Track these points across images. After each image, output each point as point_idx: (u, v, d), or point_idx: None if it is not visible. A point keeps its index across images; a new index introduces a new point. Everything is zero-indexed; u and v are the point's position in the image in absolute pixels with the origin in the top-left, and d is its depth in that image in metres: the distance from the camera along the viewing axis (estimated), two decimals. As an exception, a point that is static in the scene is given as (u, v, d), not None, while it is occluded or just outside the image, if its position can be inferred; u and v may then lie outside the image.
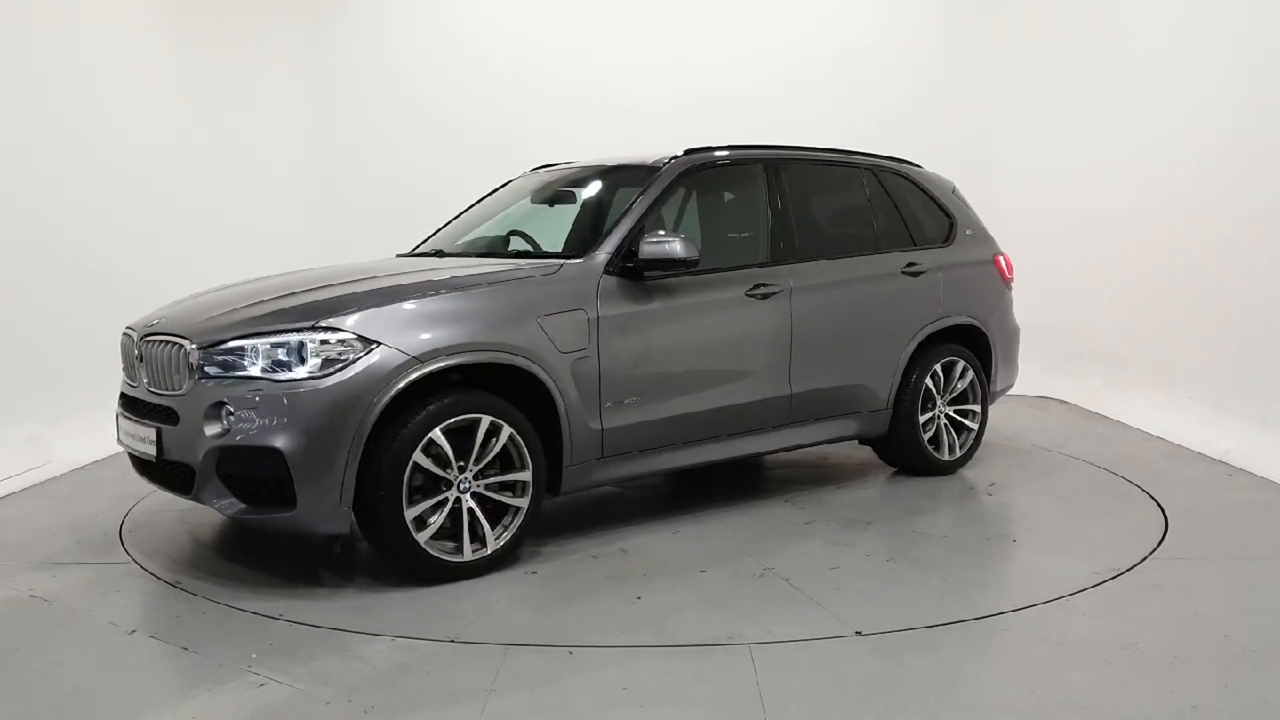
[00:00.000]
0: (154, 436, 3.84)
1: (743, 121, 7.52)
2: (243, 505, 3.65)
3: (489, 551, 3.83)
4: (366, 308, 3.69)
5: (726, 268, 4.69)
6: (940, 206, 5.63)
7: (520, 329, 3.90)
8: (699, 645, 3.21)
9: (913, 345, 5.20)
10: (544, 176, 5.34)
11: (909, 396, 5.20)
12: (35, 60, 5.94)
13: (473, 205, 5.52)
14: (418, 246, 5.28)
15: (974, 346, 5.53)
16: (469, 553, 3.78)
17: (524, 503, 3.91)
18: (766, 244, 4.87)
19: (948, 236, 5.57)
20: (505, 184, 5.57)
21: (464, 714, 2.76)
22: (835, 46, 8.34)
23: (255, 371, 3.59)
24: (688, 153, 4.77)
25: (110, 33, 6.73)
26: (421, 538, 3.68)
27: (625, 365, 4.20)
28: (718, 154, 4.87)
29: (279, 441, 3.49)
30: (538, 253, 4.72)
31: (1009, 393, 6.02)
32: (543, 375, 3.93)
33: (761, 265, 4.76)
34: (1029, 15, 8.26)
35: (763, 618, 3.43)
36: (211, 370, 3.66)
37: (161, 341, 3.90)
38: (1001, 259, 5.79)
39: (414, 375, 3.62)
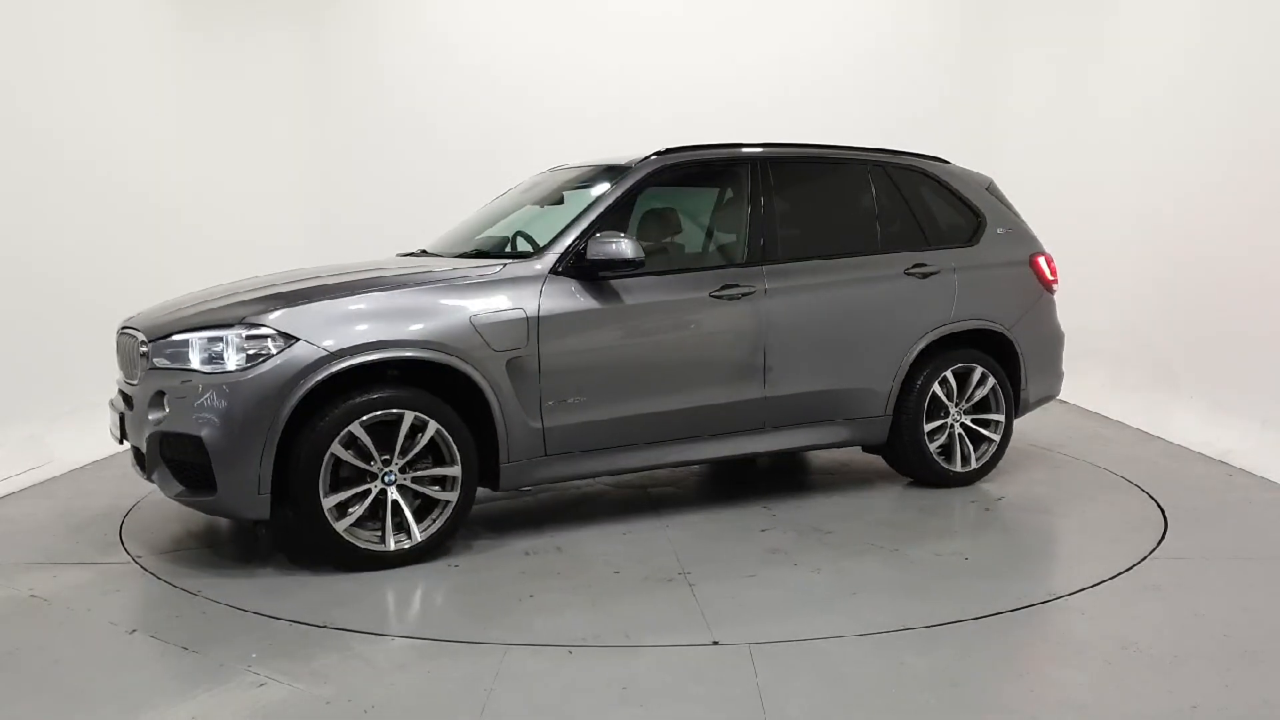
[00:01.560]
0: (118, 421, 4.20)
1: (747, 125, 7.52)
2: (182, 488, 3.89)
3: (413, 543, 3.96)
4: (289, 306, 3.89)
5: (693, 268, 4.68)
6: (967, 204, 5.33)
7: (447, 328, 3.99)
8: (576, 645, 3.22)
9: (916, 350, 4.95)
10: (556, 176, 5.33)
11: (912, 404, 4.95)
12: (34, 65, 5.94)
13: (493, 203, 5.50)
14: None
15: (998, 352, 5.22)
16: (391, 543, 3.93)
17: (452, 497, 4.02)
18: (743, 244, 4.74)
19: (973, 236, 5.27)
20: (519, 184, 5.55)
21: (464, 714, 2.76)
22: (838, 53, 8.37)
23: (195, 364, 3.82)
24: (662, 152, 4.73)
25: (108, 39, 6.73)
26: (340, 526, 3.85)
27: (569, 364, 4.22)
28: (694, 153, 4.80)
29: (200, 429, 3.74)
30: (500, 253, 4.65)
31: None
32: (472, 373, 4.01)
33: (735, 266, 4.66)
34: (1033, 20, 8.27)
35: (630, 622, 3.41)
36: (159, 362, 3.91)
37: (128, 334, 4.22)
38: (1041, 260, 5.41)
39: (330, 370, 3.78)
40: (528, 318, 4.13)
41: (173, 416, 3.81)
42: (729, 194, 5.00)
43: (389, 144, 8.43)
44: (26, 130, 5.85)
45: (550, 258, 4.29)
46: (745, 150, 4.92)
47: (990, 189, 5.51)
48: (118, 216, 6.69)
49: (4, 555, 4.20)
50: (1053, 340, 5.47)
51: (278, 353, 3.75)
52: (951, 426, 5.10)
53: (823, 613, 3.49)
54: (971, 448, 5.14)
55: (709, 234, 5.08)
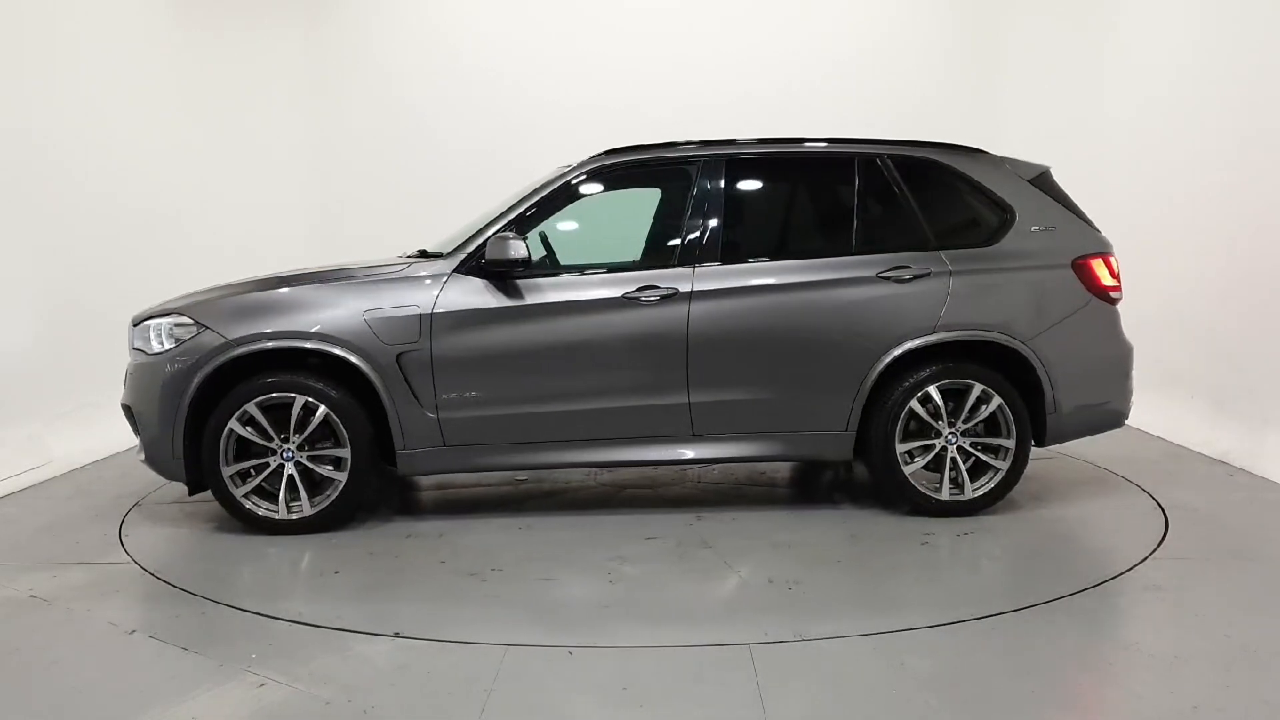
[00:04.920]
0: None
1: (752, 119, 7.52)
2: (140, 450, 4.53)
3: (306, 514, 4.39)
4: (209, 299, 4.47)
5: (618, 269, 4.57)
6: (994, 199, 4.70)
7: (338, 321, 4.34)
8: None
9: (884, 361, 4.47)
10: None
11: (883, 420, 4.50)
12: (37, 64, 5.94)
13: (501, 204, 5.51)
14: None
15: (1012, 368, 4.60)
16: (284, 512, 4.38)
17: (342, 476, 4.38)
18: (677, 246, 4.58)
19: (994, 234, 4.66)
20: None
21: (464, 714, 2.77)
22: (838, 47, 8.38)
23: (154, 347, 4.43)
24: (606, 153, 4.70)
25: (111, 37, 6.73)
26: (238, 493, 4.37)
27: (464, 360, 4.36)
28: (637, 154, 4.70)
29: (130, 399, 4.47)
30: (431, 253, 4.72)
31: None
32: (361, 364, 4.32)
33: (664, 267, 4.51)
34: (1032, 19, 8.28)
35: (358, 607, 3.58)
36: (136, 344, 4.52)
37: None
38: (1096, 263, 4.66)
39: (229, 355, 4.30)
40: (421, 314, 4.34)
41: (126, 390, 4.52)
42: (672, 194, 4.86)
43: (393, 145, 8.44)
44: (25, 132, 5.85)
45: (458, 257, 4.46)
46: (696, 149, 4.72)
47: (1039, 181, 4.85)
48: (118, 217, 6.69)
49: (4, 555, 4.20)
50: (1102, 356, 4.68)
51: (192, 339, 4.33)
52: (946, 449, 4.55)
53: (549, 627, 3.40)
54: (968, 475, 4.58)
55: (645, 235, 4.99)
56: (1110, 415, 4.78)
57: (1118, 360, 4.73)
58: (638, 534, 4.42)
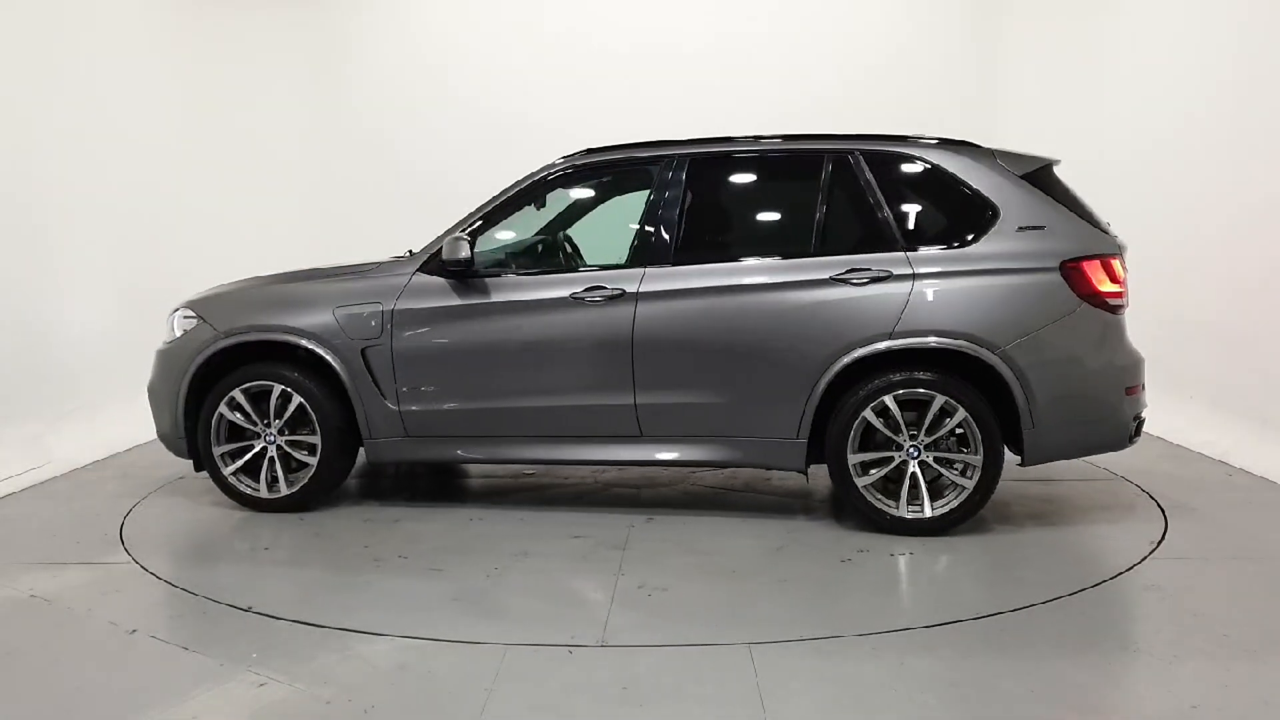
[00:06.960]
0: None
1: (749, 121, 7.51)
2: None
3: (283, 495, 4.71)
4: (210, 294, 4.90)
5: (575, 269, 4.73)
6: (977, 196, 4.32)
7: (310, 317, 4.64)
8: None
9: (836, 367, 4.24)
10: None
11: (837, 429, 4.29)
12: (41, 62, 5.94)
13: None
14: None
15: (984, 379, 4.26)
16: (265, 492, 4.72)
17: (313, 461, 4.68)
18: (630, 247, 4.53)
19: (973, 234, 4.29)
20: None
21: (464, 714, 2.77)
22: (838, 47, 8.40)
23: (171, 335, 4.87)
24: (582, 153, 4.73)
25: (116, 35, 6.73)
26: (226, 471, 4.73)
27: (421, 355, 4.56)
28: (607, 155, 4.70)
29: (150, 381, 4.89)
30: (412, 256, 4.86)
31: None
32: (328, 356, 4.60)
33: (615, 268, 4.48)
34: (1033, 18, 8.29)
35: (241, 581, 3.85)
36: (167, 333, 4.90)
37: None
38: (1089, 266, 4.22)
39: (219, 346, 4.67)
40: (383, 310, 4.56)
41: (151, 373, 4.90)
42: (636, 196, 4.80)
43: (396, 147, 8.46)
44: (31, 129, 5.86)
45: (422, 258, 4.66)
46: (662, 149, 4.64)
47: (1037, 176, 4.42)
48: (119, 219, 6.69)
49: (4, 555, 4.20)
50: (1096, 368, 4.25)
51: (192, 330, 4.75)
52: (907, 463, 4.29)
53: (388, 614, 3.49)
54: (928, 492, 4.29)
55: (599, 236, 5.05)
56: (1107, 434, 4.34)
57: (1116, 373, 4.27)
58: (569, 531, 4.45)
